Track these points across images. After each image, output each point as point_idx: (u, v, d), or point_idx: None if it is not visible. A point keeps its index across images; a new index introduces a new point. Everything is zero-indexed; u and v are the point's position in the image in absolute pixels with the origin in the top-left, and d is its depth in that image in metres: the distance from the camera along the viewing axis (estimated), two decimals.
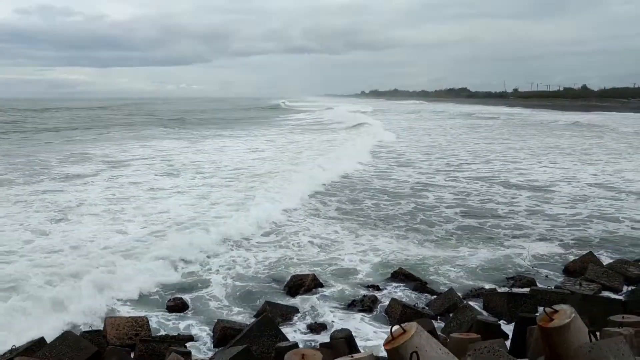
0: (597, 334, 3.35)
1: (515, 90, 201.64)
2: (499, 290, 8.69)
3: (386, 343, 3.50)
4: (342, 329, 6.36)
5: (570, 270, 9.85)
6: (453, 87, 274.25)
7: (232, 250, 11.29)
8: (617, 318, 4.74)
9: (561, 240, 11.90)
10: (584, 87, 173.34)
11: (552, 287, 8.76)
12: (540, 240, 11.98)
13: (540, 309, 8.12)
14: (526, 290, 8.50)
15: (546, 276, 9.67)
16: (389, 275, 9.65)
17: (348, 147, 31.22)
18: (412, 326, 3.40)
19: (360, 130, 43.92)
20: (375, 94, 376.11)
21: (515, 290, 8.65)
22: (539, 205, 15.53)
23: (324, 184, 18.70)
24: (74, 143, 34.80)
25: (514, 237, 12.29)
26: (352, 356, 3.48)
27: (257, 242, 11.82)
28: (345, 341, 5.52)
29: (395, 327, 3.51)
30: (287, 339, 6.53)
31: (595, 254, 10.22)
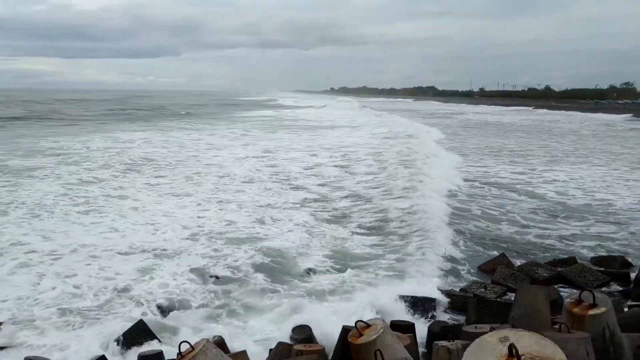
0: (381, 353, 3.12)
1: (482, 89, 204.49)
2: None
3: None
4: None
5: (483, 272, 9.79)
6: (421, 86, 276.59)
7: None
8: (470, 328, 4.56)
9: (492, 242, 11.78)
10: (547, 88, 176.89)
11: (457, 290, 8.62)
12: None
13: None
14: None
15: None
16: None
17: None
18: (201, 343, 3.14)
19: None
20: (344, 90, 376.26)
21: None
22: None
23: None
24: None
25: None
26: None
27: None
28: None
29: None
30: None
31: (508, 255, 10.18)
